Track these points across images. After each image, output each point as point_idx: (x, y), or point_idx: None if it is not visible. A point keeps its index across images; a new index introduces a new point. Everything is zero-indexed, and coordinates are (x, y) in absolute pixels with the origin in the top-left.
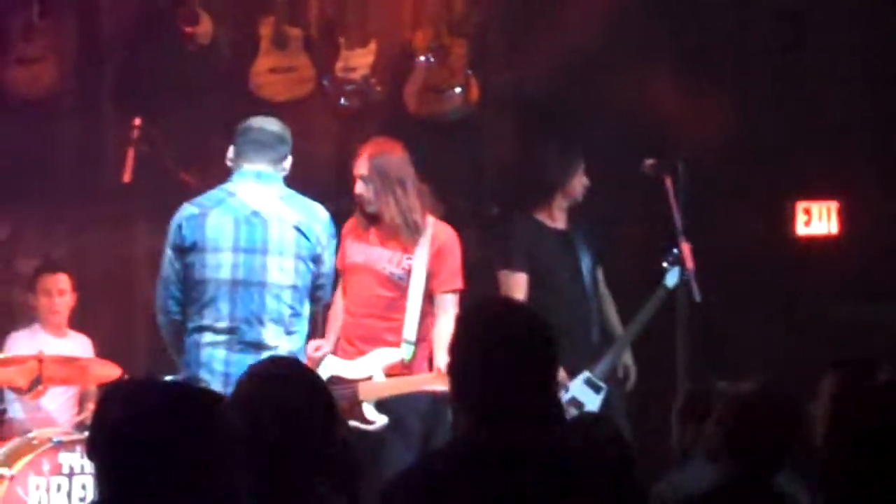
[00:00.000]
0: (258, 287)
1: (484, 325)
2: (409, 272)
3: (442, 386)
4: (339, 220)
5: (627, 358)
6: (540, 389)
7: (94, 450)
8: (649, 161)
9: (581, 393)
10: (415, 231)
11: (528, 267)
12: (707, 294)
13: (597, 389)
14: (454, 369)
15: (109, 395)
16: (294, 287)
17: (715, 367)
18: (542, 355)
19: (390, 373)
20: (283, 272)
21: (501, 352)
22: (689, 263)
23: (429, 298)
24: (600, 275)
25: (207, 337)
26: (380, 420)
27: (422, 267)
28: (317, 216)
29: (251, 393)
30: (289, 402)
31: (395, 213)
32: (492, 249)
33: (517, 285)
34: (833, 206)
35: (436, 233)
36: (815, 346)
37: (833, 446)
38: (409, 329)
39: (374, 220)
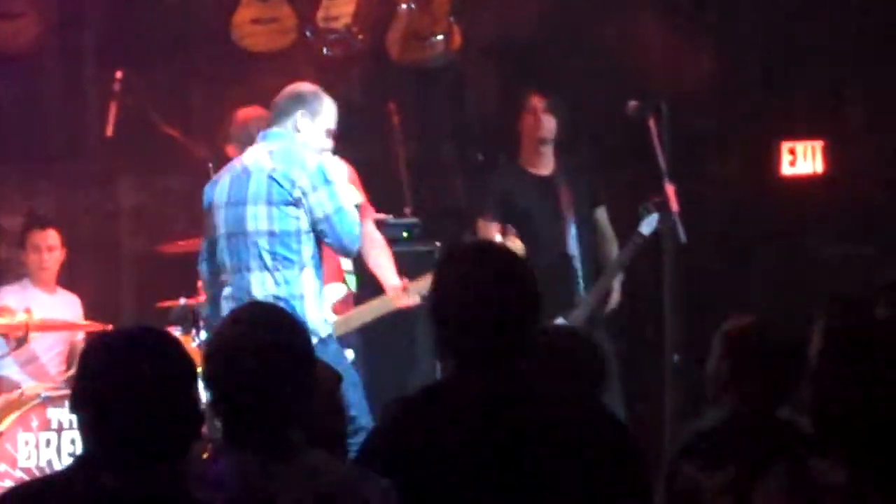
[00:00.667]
0: (241, 237)
1: (463, 267)
2: None
3: (404, 301)
4: None
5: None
6: (523, 328)
7: (78, 401)
8: (633, 103)
9: None
10: None
11: (502, 214)
12: (692, 236)
13: None
14: (436, 313)
15: (91, 346)
16: (271, 233)
17: (703, 308)
18: (524, 294)
19: (340, 309)
20: (257, 219)
21: (483, 292)
22: (674, 205)
23: None
24: (601, 216)
25: (225, 291)
26: (349, 355)
27: None
28: (299, 163)
29: (226, 336)
30: (262, 346)
31: None
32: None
33: (490, 233)
34: (818, 145)
35: None
36: (800, 284)
37: (823, 379)
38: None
39: None
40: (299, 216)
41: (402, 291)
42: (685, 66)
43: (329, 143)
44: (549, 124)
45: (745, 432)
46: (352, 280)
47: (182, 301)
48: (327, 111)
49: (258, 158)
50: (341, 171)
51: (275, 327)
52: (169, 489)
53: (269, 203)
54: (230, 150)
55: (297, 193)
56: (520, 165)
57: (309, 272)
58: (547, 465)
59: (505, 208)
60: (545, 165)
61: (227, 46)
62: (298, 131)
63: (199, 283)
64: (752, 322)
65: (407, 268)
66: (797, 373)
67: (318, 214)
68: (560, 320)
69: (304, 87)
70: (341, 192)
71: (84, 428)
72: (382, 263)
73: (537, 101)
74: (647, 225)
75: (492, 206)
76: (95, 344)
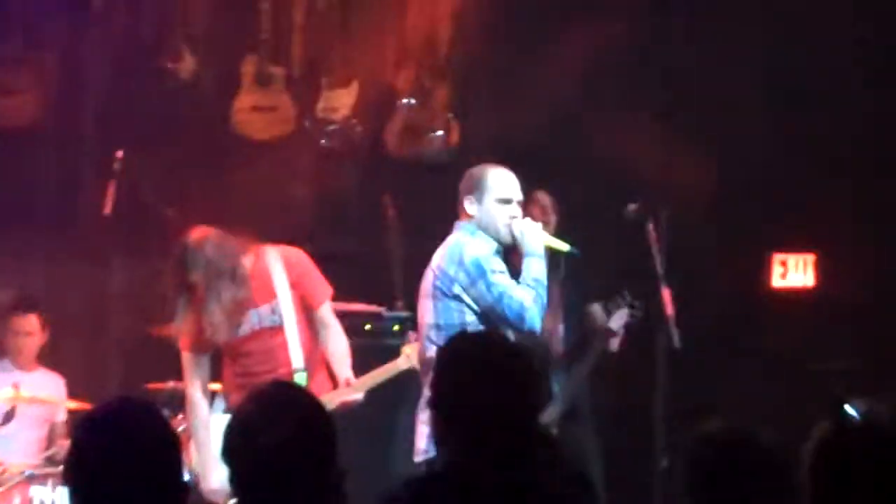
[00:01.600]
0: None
1: (469, 359)
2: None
3: (356, 395)
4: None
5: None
6: (523, 424)
7: (69, 476)
8: (633, 205)
9: None
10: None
11: None
12: (686, 342)
13: None
14: (439, 402)
15: (79, 420)
16: (437, 326)
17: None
18: (528, 389)
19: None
20: (425, 313)
21: (487, 387)
22: (669, 310)
23: (303, 321)
24: (595, 310)
25: None
26: None
27: (287, 297)
28: (457, 259)
29: (244, 415)
30: (279, 424)
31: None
32: None
33: None
34: (810, 258)
35: (284, 258)
36: (792, 397)
37: (818, 487)
38: (296, 357)
39: None
40: (462, 310)
41: (346, 386)
42: (682, 177)
43: (509, 212)
44: (552, 220)
45: None
46: (302, 376)
47: (171, 384)
48: (494, 183)
49: (436, 252)
50: (299, 258)
51: (294, 407)
52: None
53: (434, 297)
54: None
55: (456, 290)
56: None
57: None
58: None
59: None
60: None
61: (226, 131)
62: (469, 217)
63: None
64: (716, 432)
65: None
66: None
67: (485, 306)
68: None
69: (471, 171)
70: (498, 280)
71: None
72: (336, 353)
73: (544, 197)
74: (617, 319)
75: None
76: (82, 418)
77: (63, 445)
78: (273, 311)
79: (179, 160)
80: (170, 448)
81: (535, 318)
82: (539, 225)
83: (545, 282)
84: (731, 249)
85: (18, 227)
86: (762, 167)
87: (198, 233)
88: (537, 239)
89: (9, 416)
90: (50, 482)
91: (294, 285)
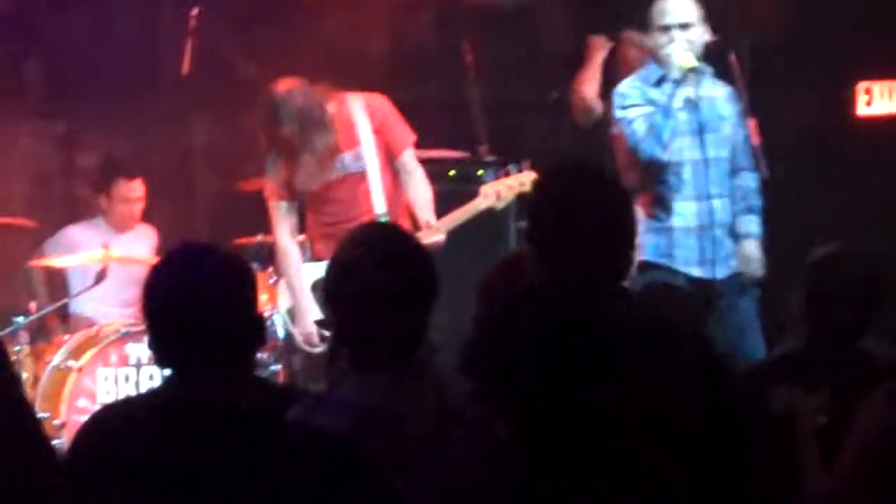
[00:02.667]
0: None
1: (560, 190)
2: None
3: (438, 237)
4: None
5: None
6: (616, 255)
7: (149, 317)
8: (713, 38)
9: None
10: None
11: None
12: (774, 171)
13: None
14: (533, 231)
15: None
16: None
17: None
18: (619, 221)
19: None
20: None
21: (578, 217)
22: (756, 139)
23: (387, 168)
24: None
25: None
26: None
27: (370, 143)
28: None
29: (342, 257)
30: (372, 265)
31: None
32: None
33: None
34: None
35: (367, 105)
36: (878, 225)
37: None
38: (379, 202)
39: None
40: None
41: (426, 228)
42: (762, 3)
43: (670, 40)
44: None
45: (827, 360)
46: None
47: (259, 238)
48: (654, 12)
49: None
50: (382, 105)
51: (391, 247)
52: (224, 398)
53: None
54: None
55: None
56: None
57: None
58: None
59: None
60: None
61: None
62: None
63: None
64: (832, 252)
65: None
66: (877, 302)
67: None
68: None
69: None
70: (623, 114)
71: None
72: (418, 198)
73: (637, 37)
74: None
75: None
76: (153, 268)
77: None
78: (357, 158)
79: (255, 15)
80: (239, 285)
81: (649, 147)
82: (685, 47)
83: (671, 107)
84: (815, 78)
85: (100, 92)
86: None
87: (284, 84)
88: (678, 63)
89: (101, 275)
90: (146, 340)
91: (377, 131)
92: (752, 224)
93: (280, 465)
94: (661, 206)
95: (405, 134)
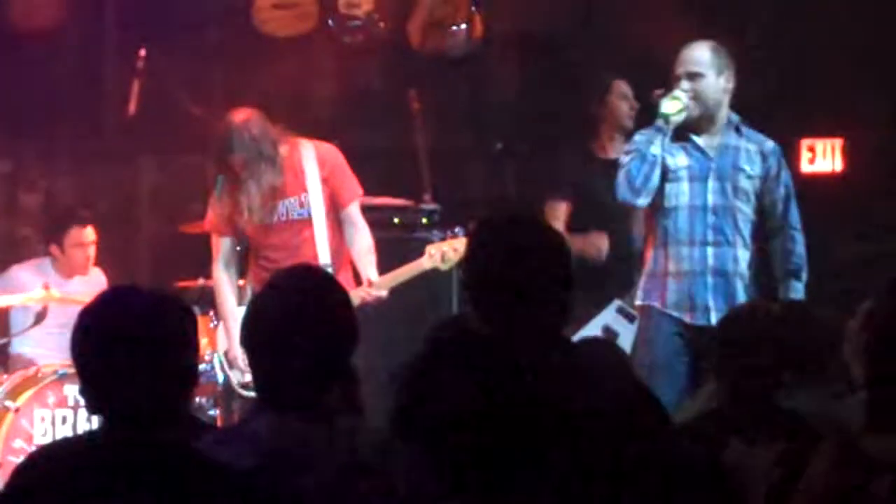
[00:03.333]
0: None
1: (495, 238)
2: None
3: (380, 293)
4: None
5: None
6: (551, 303)
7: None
8: (658, 92)
9: (614, 321)
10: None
11: (572, 195)
12: None
13: (630, 318)
14: (469, 281)
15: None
16: None
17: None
18: (554, 266)
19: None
20: None
21: (514, 263)
22: None
23: (331, 218)
24: None
25: None
26: None
27: (318, 191)
28: None
29: (259, 301)
30: (290, 307)
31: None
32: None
33: (559, 213)
34: (837, 143)
35: (317, 153)
36: (818, 282)
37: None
38: (323, 251)
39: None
40: None
41: (368, 285)
42: None
43: (676, 87)
44: (633, 112)
45: (751, 415)
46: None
47: (201, 281)
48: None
49: None
50: (333, 155)
51: (305, 289)
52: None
53: None
54: None
55: None
56: (589, 149)
57: None
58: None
59: (575, 190)
60: (616, 150)
61: (248, 28)
62: None
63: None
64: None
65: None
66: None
67: None
68: (616, 302)
69: None
70: (623, 158)
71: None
72: (361, 253)
73: (626, 88)
74: None
75: (562, 186)
76: (85, 307)
77: None
78: (302, 205)
79: (203, 58)
80: (179, 339)
81: (622, 192)
82: (675, 95)
83: (648, 153)
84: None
85: (44, 131)
86: (785, 52)
87: (242, 114)
88: (661, 110)
89: (40, 316)
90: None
91: (325, 181)
92: (789, 290)
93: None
94: (656, 250)
95: (353, 186)
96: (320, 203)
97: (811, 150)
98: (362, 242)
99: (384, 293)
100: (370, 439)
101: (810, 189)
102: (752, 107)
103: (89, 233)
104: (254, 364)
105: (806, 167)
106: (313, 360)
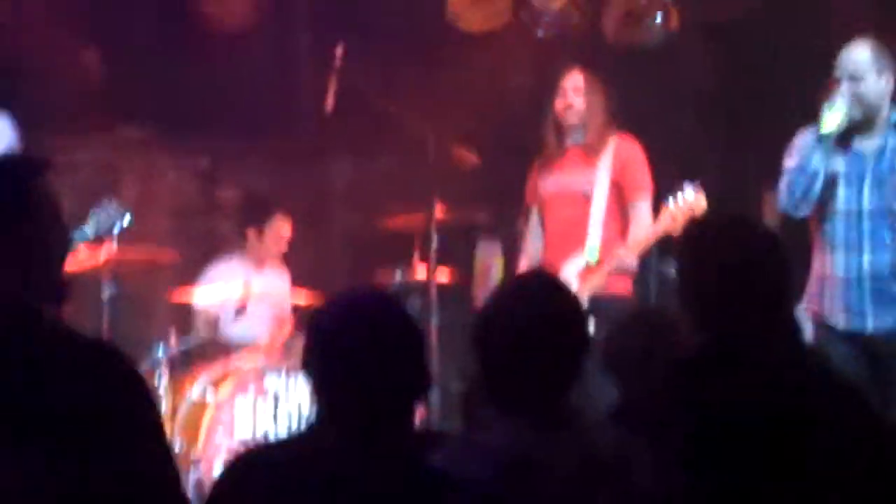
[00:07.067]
0: None
1: (716, 240)
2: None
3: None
4: (534, 151)
5: None
6: (769, 309)
7: (306, 364)
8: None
9: None
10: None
11: None
12: None
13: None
14: (684, 280)
15: (319, 311)
16: None
17: None
18: (773, 274)
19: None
20: None
21: (735, 269)
22: None
23: (615, 208)
24: None
25: None
26: None
27: (605, 176)
28: None
29: (499, 304)
30: (533, 315)
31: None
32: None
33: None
34: None
35: (617, 148)
36: None
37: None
38: (594, 235)
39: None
40: None
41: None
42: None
43: (838, 94)
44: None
45: None
46: (593, 251)
47: (398, 276)
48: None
49: None
50: (633, 150)
51: (549, 297)
52: (393, 450)
53: None
54: None
55: None
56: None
57: None
58: None
59: None
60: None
61: (441, 25)
62: None
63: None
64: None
65: None
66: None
67: None
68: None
69: None
70: (786, 162)
71: (313, 391)
72: (636, 240)
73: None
74: None
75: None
76: (324, 309)
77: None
78: (588, 182)
79: (395, 55)
80: (413, 339)
81: (784, 202)
82: (835, 106)
83: (809, 167)
84: None
85: (241, 129)
86: None
87: None
88: (822, 124)
89: (240, 311)
90: (283, 372)
91: (618, 171)
92: None
93: None
94: (819, 255)
95: (644, 181)
96: (604, 188)
97: None
98: (636, 234)
99: (634, 259)
100: (606, 439)
101: None
102: None
103: (287, 224)
104: (488, 369)
105: None
106: (552, 365)
